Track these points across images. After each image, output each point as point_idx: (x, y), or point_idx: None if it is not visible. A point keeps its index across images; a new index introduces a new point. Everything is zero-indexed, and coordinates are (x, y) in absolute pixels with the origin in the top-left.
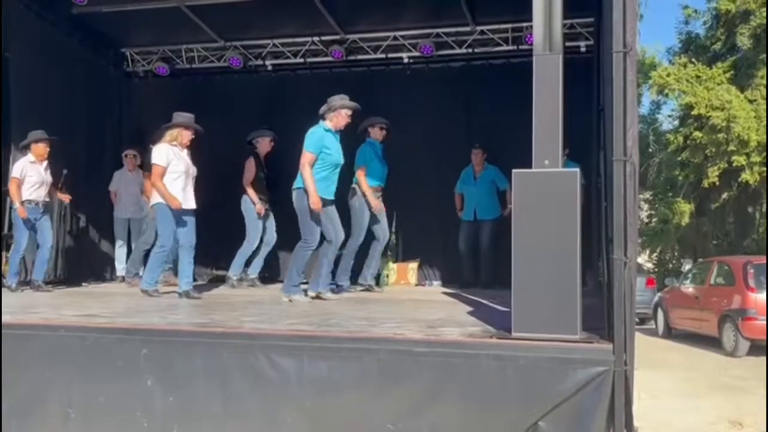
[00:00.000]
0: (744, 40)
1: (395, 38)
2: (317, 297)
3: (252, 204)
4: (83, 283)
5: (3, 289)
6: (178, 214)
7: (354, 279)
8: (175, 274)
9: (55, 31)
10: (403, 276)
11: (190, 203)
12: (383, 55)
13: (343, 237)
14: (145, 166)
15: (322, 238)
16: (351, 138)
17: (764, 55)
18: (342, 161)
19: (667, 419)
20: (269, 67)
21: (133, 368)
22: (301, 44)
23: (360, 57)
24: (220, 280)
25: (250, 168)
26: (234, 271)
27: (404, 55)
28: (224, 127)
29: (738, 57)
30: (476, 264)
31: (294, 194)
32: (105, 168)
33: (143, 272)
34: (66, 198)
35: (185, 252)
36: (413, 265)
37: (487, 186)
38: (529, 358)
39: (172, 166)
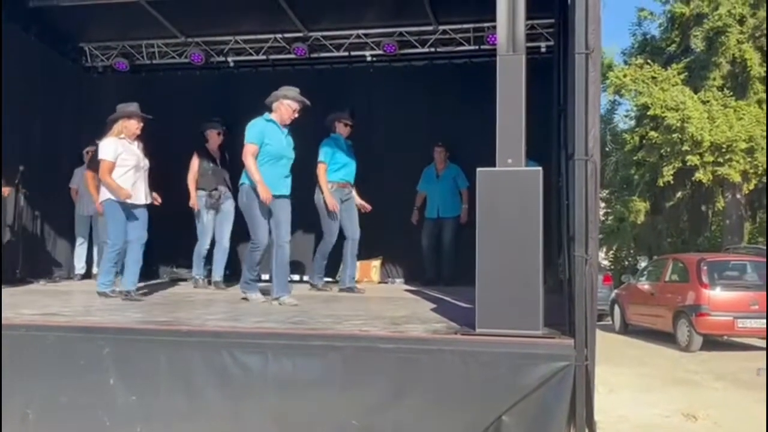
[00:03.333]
0: (697, 43)
1: (358, 36)
2: (276, 301)
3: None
4: (41, 281)
5: None
6: (129, 210)
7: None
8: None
9: (11, 24)
10: (366, 274)
11: (141, 198)
12: (346, 53)
13: (286, 237)
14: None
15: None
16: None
17: (717, 58)
18: (288, 155)
19: (624, 413)
20: (231, 64)
21: (95, 367)
22: (263, 41)
23: (323, 55)
24: (182, 280)
25: (192, 163)
26: (194, 271)
27: (367, 53)
28: (185, 123)
29: (691, 59)
30: (439, 261)
31: (240, 190)
32: (63, 164)
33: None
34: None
35: (133, 248)
36: (376, 263)
37: (450, 184)
38: (493, 353)
39: (121, 160)
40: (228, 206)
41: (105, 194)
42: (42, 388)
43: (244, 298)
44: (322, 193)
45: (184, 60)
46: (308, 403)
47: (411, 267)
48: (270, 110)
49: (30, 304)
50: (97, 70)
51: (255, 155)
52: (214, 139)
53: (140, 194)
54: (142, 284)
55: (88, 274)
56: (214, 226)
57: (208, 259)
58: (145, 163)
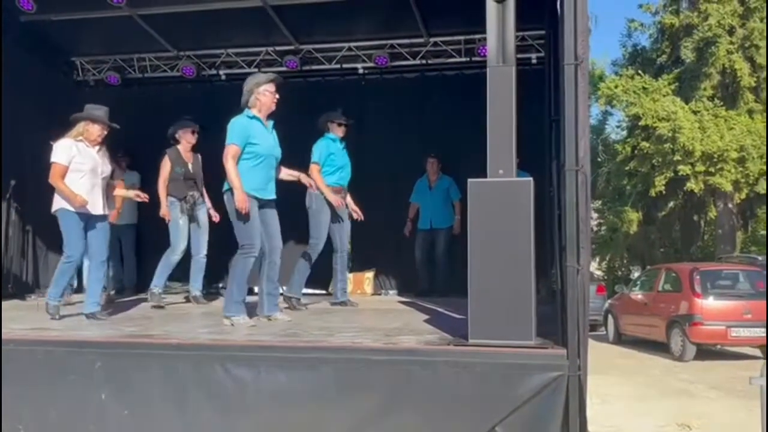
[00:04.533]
0: (687, 53)
1: (350, 49)
2: (267, 319)
3: (168, 207)
4: (31, 296)
5: None
6: (85, 220)
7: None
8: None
9: (2, 38)
10: (359, 285)
11: (98, 208)
12: (338, 66)
13: (280, 247)
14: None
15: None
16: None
17: (707, 68)
18: (276, 154)
19: (618, 423)
20: (223, 77)
21: (86, 382)
22: (255, 54)
23: (315, 67)
24: (175, 293)
25: (162, 167)
26: (155, 283)
27: (359, 65)
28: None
29: (682, 69)
30: (432, 272)
31: (225, 197)
32: None
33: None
34: None
35: (94, 266)
36: (369, 275)
37: (442, 195)
38: (486, 364)
39: (75, 164)
40: (202, 215)
41: (58, 203)
42: (33, 403)
43: (230, 324)
44: (323, 194)
45: (175, 73)
46: (301, 416)
47: (404, 278)
48: (248, 108)
49: (20, 318)
50: (88, 83)
51: (236, 157)
52: (188, 139)
53: (97, 203)
54: (135, 298)
55: (78, 289)
56: (188, 235)
57: (178, 271)
58: (105, 170)
